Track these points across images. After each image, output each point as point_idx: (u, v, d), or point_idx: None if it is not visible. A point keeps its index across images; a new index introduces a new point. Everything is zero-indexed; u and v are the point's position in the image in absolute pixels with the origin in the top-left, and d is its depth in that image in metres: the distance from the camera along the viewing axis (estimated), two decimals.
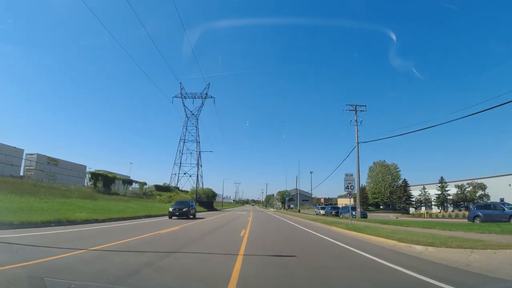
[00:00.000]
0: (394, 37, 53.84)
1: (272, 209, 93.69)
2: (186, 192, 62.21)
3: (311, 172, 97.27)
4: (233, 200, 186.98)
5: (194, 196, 48.79)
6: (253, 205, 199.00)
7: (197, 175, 53.17)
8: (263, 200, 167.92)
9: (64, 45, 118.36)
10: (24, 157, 30.41)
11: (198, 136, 70.40)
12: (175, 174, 69.11)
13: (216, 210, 63.33)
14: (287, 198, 51.01)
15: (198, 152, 63.81)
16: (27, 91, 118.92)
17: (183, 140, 70.08)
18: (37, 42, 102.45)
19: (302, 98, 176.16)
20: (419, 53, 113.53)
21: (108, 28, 77.02)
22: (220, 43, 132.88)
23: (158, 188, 56.30)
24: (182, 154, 69.67)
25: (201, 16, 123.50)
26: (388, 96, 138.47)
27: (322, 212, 43.81)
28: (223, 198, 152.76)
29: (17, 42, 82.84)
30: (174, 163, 69.76)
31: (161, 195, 52.23)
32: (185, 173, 69.59)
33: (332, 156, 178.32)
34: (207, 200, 60.11)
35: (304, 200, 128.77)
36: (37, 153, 32.14)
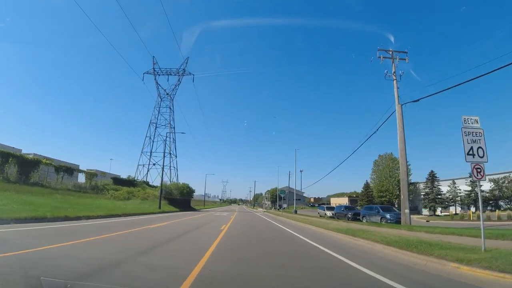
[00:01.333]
0: (392, 38, 51.42)
1: (261, 209, 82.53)
2: (156, 187, 50.08)
3: (301, 171, 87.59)
4: (220, 199, 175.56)
5: (160, 192, 36.74)
6: (239, 204, 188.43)
7: (163, 164, 41.17)
8: (251, 199, 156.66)
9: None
10: None
11: (173, 119, 58.06)
12: (144, 165, 56.53)
13: (194, 210, 51.69)
14: (282, 195, 39.55)
15: (168, 136, 51.86)
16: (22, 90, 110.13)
17: (154, 124, 57.52)
18: None
19: (299, 98, 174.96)
20: (417, 55, 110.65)
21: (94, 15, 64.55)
22: (217, 43, 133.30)
23: (117, 181, 43.98)
24: (153, 141, 57.26)
25: (199, 17, 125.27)
26: (386, 98, 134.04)
27: (328, 213, 32.95)
28: (207, 197, 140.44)
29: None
30: (142, 152, 56.99)
31: (117, 190, 40.09)
32: (154, 164, 57.01)
33: (325, 157, 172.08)
34: (182, 198, 48.20)
35: (295, 200, 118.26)
36: (34, 153, 31.79)
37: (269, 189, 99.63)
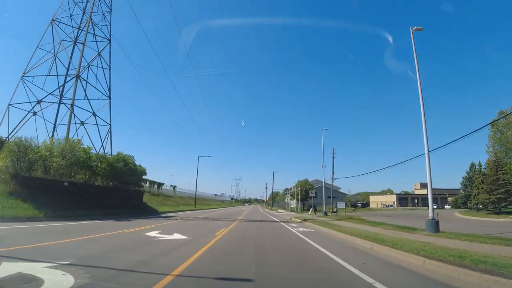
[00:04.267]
0: (390, 39, 50.22)
1: (285, 212, 52.18)
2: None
3: (323, 167, 57.19)
4: (232, 199, 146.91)
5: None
6: (249, 204, 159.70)
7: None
8: (267, 198, 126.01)
9: None
10: None
11: (109, 24, 27.54)
12: (32, 104, 25.56)
13: (157, 215, 22.75)
14: None
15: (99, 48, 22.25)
16: None
17: (65, 27, 26.78)
18: None
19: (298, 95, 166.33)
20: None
21: None
22: (216, 42, 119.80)
23: None
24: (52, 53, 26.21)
25: (197, 16, 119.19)
26: (385, 98, 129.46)
27: None
28: (215, 195, 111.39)
29: None
30: (22, 78, 25.00)
31: None
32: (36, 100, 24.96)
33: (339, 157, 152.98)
34: (92, 184, 18.74)
35: (330, 197, 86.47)
36: None
37: (299, 180, 67.46)
